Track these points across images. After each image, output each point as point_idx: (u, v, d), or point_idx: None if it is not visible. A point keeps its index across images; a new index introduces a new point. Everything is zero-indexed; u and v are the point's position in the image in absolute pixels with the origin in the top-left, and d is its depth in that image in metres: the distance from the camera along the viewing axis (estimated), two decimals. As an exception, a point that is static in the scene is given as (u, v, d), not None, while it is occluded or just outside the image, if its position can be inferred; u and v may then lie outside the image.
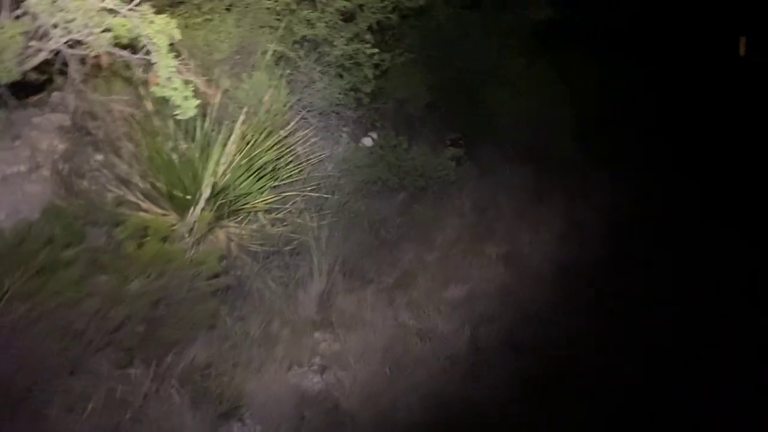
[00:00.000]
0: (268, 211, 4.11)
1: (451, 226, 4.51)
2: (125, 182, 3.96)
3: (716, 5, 7.73)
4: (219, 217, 3.92)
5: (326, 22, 4.18)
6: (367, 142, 5.19)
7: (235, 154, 4.00)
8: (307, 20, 4.21)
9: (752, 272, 4.52)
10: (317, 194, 4.29)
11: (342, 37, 4.24)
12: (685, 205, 5.65)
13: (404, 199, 4.68)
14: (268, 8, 4.53)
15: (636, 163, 5.77)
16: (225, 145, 3.99)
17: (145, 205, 3.94)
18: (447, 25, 6.00)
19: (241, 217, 4.04)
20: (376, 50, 4.33)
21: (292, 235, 3.97)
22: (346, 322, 3.46)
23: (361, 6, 4.40)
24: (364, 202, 4.50)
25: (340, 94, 4.57)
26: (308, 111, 4.70)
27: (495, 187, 5.35)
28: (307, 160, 4.54)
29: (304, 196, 4.29)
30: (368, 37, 4.33)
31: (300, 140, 4.57)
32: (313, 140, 4.73)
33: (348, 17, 4.31)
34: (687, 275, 4.28)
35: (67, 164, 3.85)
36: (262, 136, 4.14)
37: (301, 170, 4.42)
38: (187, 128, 4.06)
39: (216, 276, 3.39)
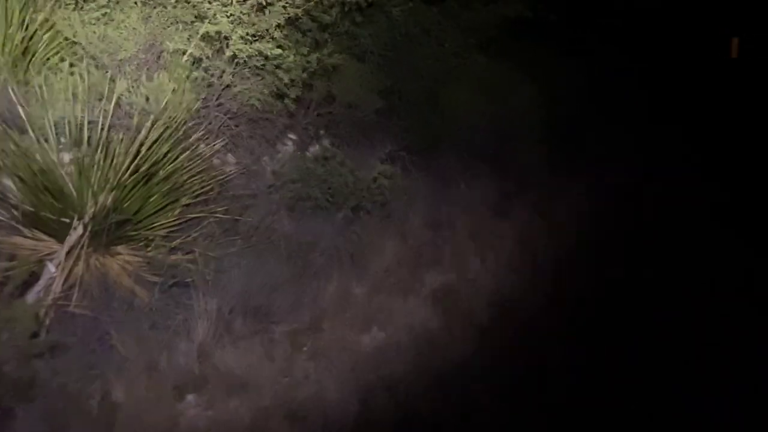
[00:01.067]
0: (168, 235, 3.52)
1: (391, 251, 3.94)
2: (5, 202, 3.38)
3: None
4: (106, 243, 3.34)
5: (231, 16, 3.59)
6: (305, 152, 4.62)
7: (129, 167, 3.43)
8: (213, 14, 3.62)
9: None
10: (230, 216, 3.70)
11: (247, 34, 3.63)
12: (665, 220, 5.14)
13: (341, 220, 4.09)
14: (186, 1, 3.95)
15: (605, 171, 5.22)
16: (115, 156, 3.42)
17: (26, 230, 3.37)
18: (402, 21, 5.41)
19: (135, 242, 3.45)
20: (279, 51, 3.73)
21: (190, 265, 3.39)
22: (228, 381, 2.88)
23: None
24: (289, 224, 3.92)
25: (261, 98, 3.98)
26: (229, 118, 4.12)
27: (450, 202, 4.79)
28: (224, 174, 3.96)
29: (216, 217, 3.71)
30: (277, 35, 3.73)
31: (215, 152, 4.00)
32: (231, 152, 4.16)
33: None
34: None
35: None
36: (166, 146, 3.56)
37: (215, 186, 3.84)
38: (73, 137, 3.48)
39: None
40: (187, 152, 3.75)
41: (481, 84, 5.51)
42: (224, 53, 3.76)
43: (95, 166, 3.40)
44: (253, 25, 3.63)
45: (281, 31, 3.75)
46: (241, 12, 3.61)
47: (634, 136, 5.82)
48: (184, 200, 3.66)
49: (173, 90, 3.65)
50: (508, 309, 3.63)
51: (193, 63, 3.95)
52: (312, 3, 4.04)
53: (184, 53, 3.86)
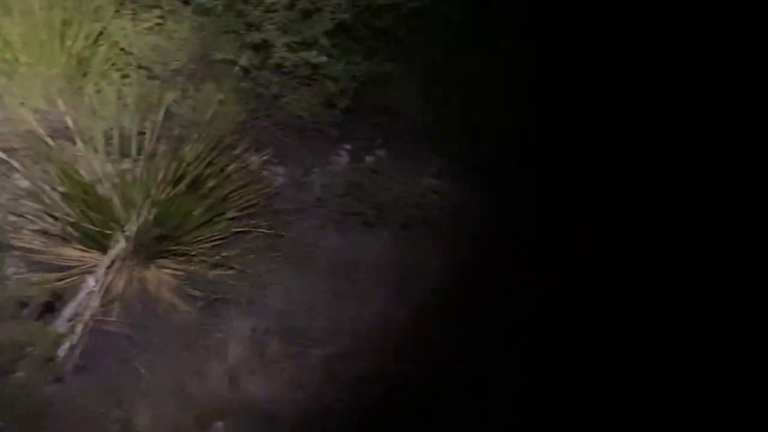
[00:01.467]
0: (211, 250, 3.46)
1: (440, 272, 3.74)
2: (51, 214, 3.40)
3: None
4: (148, 257, 3.31)
5: (276, 23, 3.47)
6: (356, 164, 4.49)
7: (172, 179, 3.39)
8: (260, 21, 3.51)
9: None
10: (275, 231, 3.60)
11: (293, 42, 3.51)
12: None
13: (389, 237, 3.92)
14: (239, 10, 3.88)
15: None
16: (160, 168, 3.39)
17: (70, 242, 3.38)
18: (462, 25, 5.19)
19: (177, 257, 3.40)
20: (324, 59, 3.58)
21: (231, 281, 3.31)
22: (257, 408, 2.76)
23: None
24: (335, 239, 3.79)
25: (309, 108, 3.87)
26: (279, 129, 4.03)
27: (512, 220, 4.52)
28: (271, 187, 3.87)
29: (260, 231, 3.62)
30: (324, 42, 3.59)
31: (263, 164, 3.92)
32: (281, 164, 4.07)
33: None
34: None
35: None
36: (210, 158, 3.50)
37: (261, 200, 3.75)
38: (120, 148, 3.48)
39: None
40: (233, 164, 3.69)
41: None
42: (270, 62, 3.66)
43: (140, 178, 3.38)
44: (300, 32, 3.51)
45: (330, 39, 3.62)
46: (287, 19, 3.49)
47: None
48: (229, 214, 3.59)
49: (220, 101, 3.60)
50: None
51: (245, 73, 3.89)
52: (361, 8, 3.90)
53: (233, 63, 3.80)
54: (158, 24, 3.79)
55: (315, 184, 4.15)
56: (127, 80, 3.61)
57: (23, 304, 2.85)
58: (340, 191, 4.03)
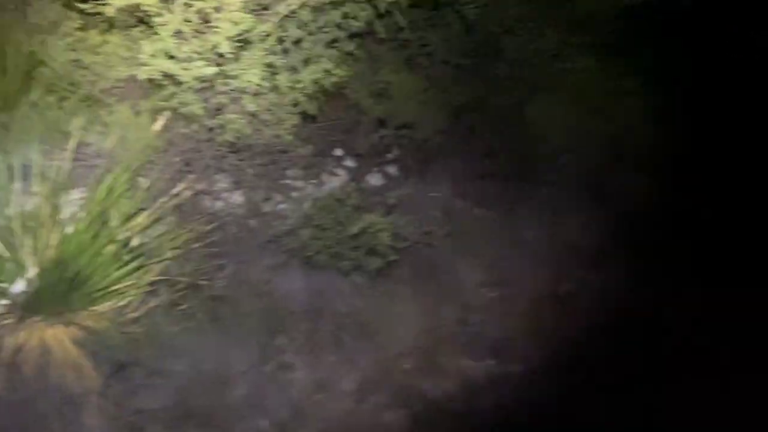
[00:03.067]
0: (126, 303, 2.88)
1: (418, 325, 2.97)
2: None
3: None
4: (49, 309, 2.78)
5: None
6: (332, 188, 3.80)
7: (82, 220, 2.85)
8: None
9: None
10: (206, 278, 2.97)
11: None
12: None
13: (366, 278, 3.19)
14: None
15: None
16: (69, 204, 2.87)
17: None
18: (480, 21, 4.38)
19: (84, 312, 2.85)
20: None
21: (141, 343, 2.71)
22: None
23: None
24: (292, 283, 3.12)
25: (270, 124, 3.22)
26: (231, 151, 3.41)
27: (523, 252, 3.69)
28: (218, 219, 3.26)
29: (185, 279, 3.00)
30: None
31: (206, 193, 3.32)
32: (234, 191, 3.46)
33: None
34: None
35: None
36: (127, 193, 2.94)
37: (201, 237, 3.14)
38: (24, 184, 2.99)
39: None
40: (168, 196, 3.11)
41: (584, 94, 4.27)
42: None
43: (42, 220, 2.87)
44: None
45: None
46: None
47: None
48: (154, 259, 3.01)
49: (138, 124, 3.03)
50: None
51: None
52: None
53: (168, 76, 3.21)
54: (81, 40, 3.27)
55: (279, 213, 3.51)
56: (41, 103, 3.12)
57: None
58: (309, 222, 3.34)
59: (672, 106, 4.20)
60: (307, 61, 3.46)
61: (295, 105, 3.21)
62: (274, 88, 3.05)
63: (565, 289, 3.64)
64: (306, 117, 4.11)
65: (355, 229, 2.95)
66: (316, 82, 3.28)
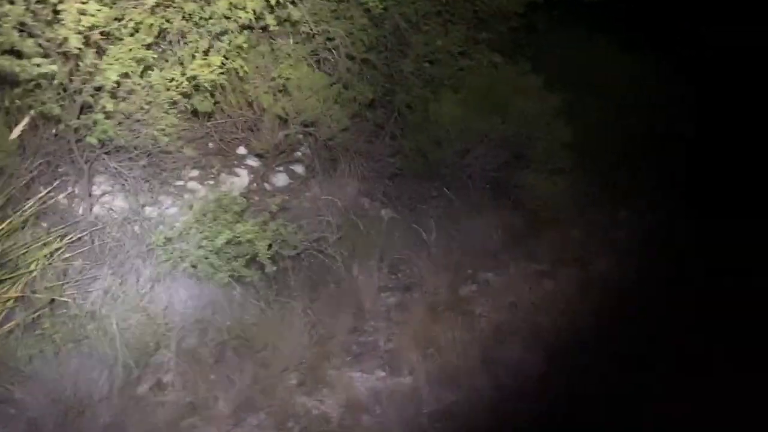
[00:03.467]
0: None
1: (303, 340, 2.81)
2: None
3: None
4: None
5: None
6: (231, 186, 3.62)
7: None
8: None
9: None
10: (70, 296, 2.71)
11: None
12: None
13: (246, 292, 2.99)
14: None
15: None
16: None
17: None
18: (386, 15, 4.24)
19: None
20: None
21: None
22: None
23: None
24: (165, 299, 2.89)
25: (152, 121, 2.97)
26: (106, 152, 3.14)
27: (423, 255, 3.59)
28: (94, 227, 3.00)
29: (56, 291, 2.74)
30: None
31: (89, 197, 3.04)
32: (114, 197, 3.21)
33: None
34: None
35: None
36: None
37: (72, 245, 2.88)
38: None
39: None
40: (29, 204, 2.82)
41: (489, 92, 4.21)
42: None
43: None
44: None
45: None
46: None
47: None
48: (16, 273, 2.73)
49: None
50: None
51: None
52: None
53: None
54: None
55: (160, 218, 3.28)
56: None
57: None
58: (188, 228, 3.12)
59: (577, 105, 4.20)
60: (194, 55, 3.26)
61: (174, 104, 2.97)
62: (148, 86, 2.80)
63: (466, 291, 3.58)
64: (200, 115, 3.92)
65: (232, 238, 2.75)
66: (205, 77, 3.05)
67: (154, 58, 2.80)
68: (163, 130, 2.93)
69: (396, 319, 3.13)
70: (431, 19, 4.44)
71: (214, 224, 2.86)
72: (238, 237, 2.71)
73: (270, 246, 2.80)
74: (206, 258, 2.74)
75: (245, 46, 3.43)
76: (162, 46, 3.07)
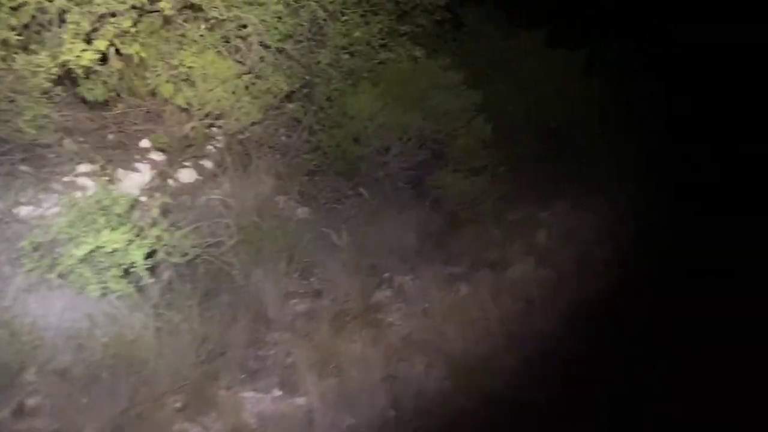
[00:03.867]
0: None
1: (192, 356, 2.55)
2: None
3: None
4: None
5: None
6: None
7: None
8: None
9: None
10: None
11: None
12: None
13: (126, 303, 2.68)
14: None
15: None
16: None
17: None
18: (304, 4, 3.99)
19: None
20: None
21: None
22: None
23: None
24: (37, 311, 2.58)
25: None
26: None
27: (334, 257, 3.39)
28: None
29: None
30: None
31: None
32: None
33: None
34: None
35: None
36: None
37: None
38: None
39: None
40: None
41: (408, 87, 4.03)
42: None
43: None
44: None
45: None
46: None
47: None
48: None
49: None
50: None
51: None
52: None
53: None
54: None
55: (38, 219, 2.95)
56: None
57: None
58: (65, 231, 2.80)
59: (499, 101, 4.07)
60: (76, 36, 2.93)
61: (46, 93, 2.65)
62: (10, 70, 2.48)
63: (380, 297, 3.39)
64: (93, 105, 3.59)
65: (96, 248, 2.45)
66: (79, 63, 2.73)
67: (19, 39, 2.47)
68: (31, 121, 2.60)
69: (301, 331, 2.91)
70: (351, 9, 4.21)
71: (87, 229, 2.56)
72: (102, 247, 2.41)
73: (150, 254, 2.52)
74: (75, 269, 2.45)
75: (137, 30, 3.12)
76: (33, 27, 2.73)
